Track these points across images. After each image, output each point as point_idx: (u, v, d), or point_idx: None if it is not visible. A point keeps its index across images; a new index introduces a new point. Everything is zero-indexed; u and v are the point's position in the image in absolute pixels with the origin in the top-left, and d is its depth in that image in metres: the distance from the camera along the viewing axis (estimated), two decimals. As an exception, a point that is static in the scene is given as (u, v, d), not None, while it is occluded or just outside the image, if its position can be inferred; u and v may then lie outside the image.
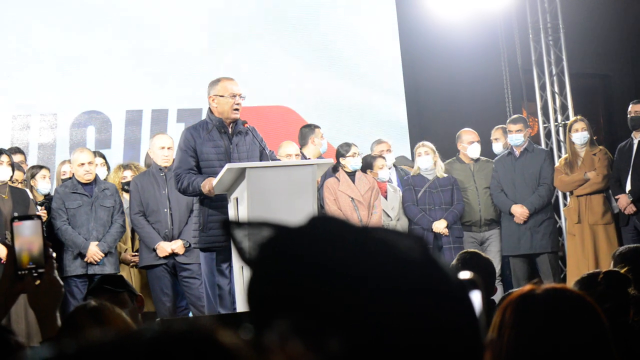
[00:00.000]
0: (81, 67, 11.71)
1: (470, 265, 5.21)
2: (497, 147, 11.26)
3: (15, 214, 9.10)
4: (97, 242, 9.41)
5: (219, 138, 7.79)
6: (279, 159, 8.51)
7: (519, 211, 10.62)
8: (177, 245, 9.44)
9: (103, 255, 9.40)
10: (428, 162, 10.64)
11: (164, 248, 9.40)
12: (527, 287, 2.51)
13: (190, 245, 9.42)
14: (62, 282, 2.85)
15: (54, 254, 2.86)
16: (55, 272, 2.82)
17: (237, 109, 7.78)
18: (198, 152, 7.75)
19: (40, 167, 10.20)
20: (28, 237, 2.80)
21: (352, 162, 10.21)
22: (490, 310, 4.65)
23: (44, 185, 9.99)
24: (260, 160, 7.71)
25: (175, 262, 9.45)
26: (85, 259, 9.37)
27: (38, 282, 2.78)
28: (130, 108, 12.00)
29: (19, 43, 11.49)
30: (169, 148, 9.60)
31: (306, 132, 10.56)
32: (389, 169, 11.04)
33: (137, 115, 12.02)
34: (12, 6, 11.53)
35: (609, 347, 2.42)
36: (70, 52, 11.68)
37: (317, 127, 10.68)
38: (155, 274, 9.45)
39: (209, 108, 7.91)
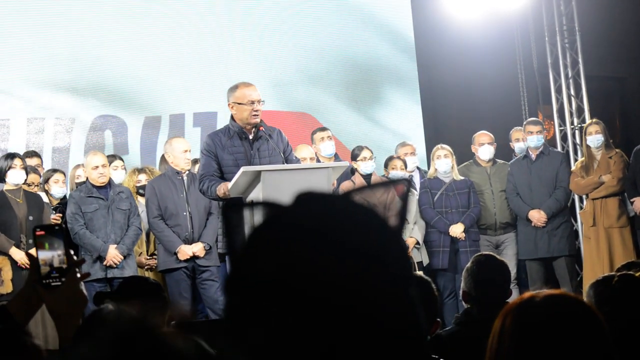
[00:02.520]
0: (98, 71, 11.75)
1: (485, 268, 5.21)
2: (520, 147, 11.26)
3: (30, 218, 9.15)
4: (115, 245, 9.42)
5: (240, 144, 7.80)
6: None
7: (537, 216, 10.60)
8: (198, 248, 9.46)
9: (122, 257, 9.41)
10: (447, 164, 10.63)
11: (185, 251, 9.41)
12: (527, 294, 2.50)
13: (210, 247, 9.46)
14: (86, 294, 2.85)
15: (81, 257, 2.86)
16: (82, 284, 2.82)
17: (256, 115, 7.79)
18: (219, 158, 7.79)
19: (55, 171, 10.22)
20: (51, 246, 2.81)
21: (363, 166, 10.24)
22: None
23: (57, 189, 10.00)
24: (284, 165, 7.74)
25: (195, 265, 9.47)
26: (105, 262, 9.37)
27: (56, 290, 2.78)
28: (148, 113, 12.03)
29: (35, 46, 11.53)
30: (190, 151, 9.69)
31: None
32: (412, 171, 11.05)
33: (154, 120, 12.04)
34: (29, 10, 11.57)
35: (610, 353, 2.41)
36: (86, 57, 11.72)
37: (316, 131, 10.80)
38: (175, 278, 9.46)
39: (231, 114, 7.93)
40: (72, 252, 2.85)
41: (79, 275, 2.81)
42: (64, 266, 2.79)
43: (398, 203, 1.43)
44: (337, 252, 1.30)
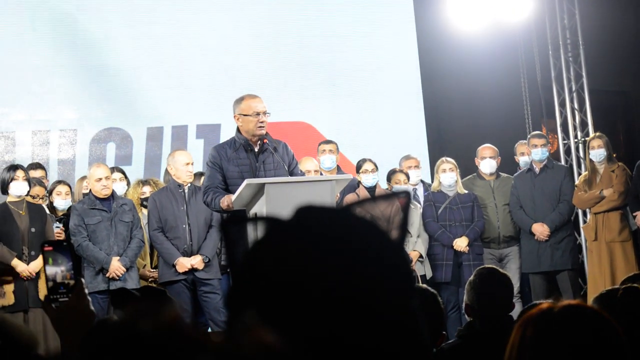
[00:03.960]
0: (101, 83, 11.77)
1: (488, 282, 5.20)
2: (525, 161, 11.25)
3: (33, 230, 9.15)
4: (118, 257, 9.43)
5: (245, 156, 7.80)
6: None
7: (540, 230, 10.58)
8: (196, 261, 9.45)
9: (125, 270, 9.42)
10: (452, 178, 10.63)
11: (184, 264, 9.41)
12: (545, 304, 2.49)
13: (209, 260, 9.46)
14: (93, 310, 2.84)
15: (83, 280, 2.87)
16: (89, 301, 2.81)
17: (261, 126, 7.78)
18: (224, 170, 7.78)
19: (59, 182, 10.22)
20: (55, 261, 2.82)
21: (365, 178, 10.25)
22: (509, 326, 4.63)
23: (59, 201, 9.99)
24: (289, 179, 7.75)
25: (195, 278, 9.47)
26: (108, 275, 9.38)
27: (58, 306, 2.79)
28: (151, 125, 12.05)
29: (40, 59, 11.55)
30: (192, 164, 9.69)
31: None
32: (415, 184, 11.05)
33: (157, 132, 12.06)
34: (32, 21, 11.59)
35: None
36: (90, 69, 11.74)
37: (321, 143, 10.84)
38: (175, 290, 9.44)
39: (237, 126, 7.93)
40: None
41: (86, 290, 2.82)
42: (68, 282, 2.79)
43: (399, 215, 1.43)
44: (337, 266, 1.30)
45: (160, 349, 1.00)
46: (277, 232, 1.36)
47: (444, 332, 4.69)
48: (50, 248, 2.84)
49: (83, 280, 2.83)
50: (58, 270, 2.81)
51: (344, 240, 1.33)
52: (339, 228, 1.35)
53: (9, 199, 9.25)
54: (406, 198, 1.48)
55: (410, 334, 1.35)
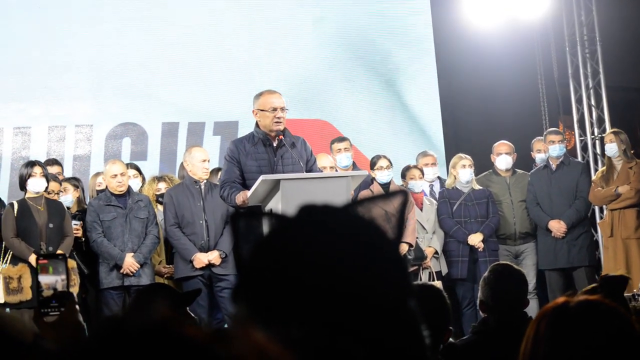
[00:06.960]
0: (117, 79, 11.80)
1: (502, 278, 5.19)
2: (541, 157, 11.21)
3: (51, 225, 9.18)
4: (132, 254, 9.44)
5: (264, 151, 7.82)
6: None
7: (556, 226, 10.56)
8: (213, 256, 9.45)
9: (139, 266, 9.43)
10: (469, 174, 10.62)
11: (201, 259, 9.41)
12: (561, 299, 2.49)
13: (226, 255, 9.46)
14: (83, 323, 2.86)
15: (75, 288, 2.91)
16: (79, 315, 2.83)
17: (278, 122, 7.81)
18: (242, 164, 7.81)
19: (68, 180, 10.24)
20: (55, 270, 2.84)
21: (379, 175, 10.25)
22: (523, 322, 4.63)
23: (63, 198, 9.97)
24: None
25: (211, 273, 9.47)
26: (122, 271, 9.39)
27: (51, 319, 2.81)
28: (167, 120, 12.07)
29: (56, 54, 11.59)
30: (208, 161, 9.71)
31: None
32: (432, 181, 11.04)
33: (173, 127, 12.09)
34: (48, 18, 11.63)
35: None
36: (106, 64, 11.78)
37: (334, 141, 10.83)
38: (191, 286, 9.45)
39: (256, 121, 7.96)
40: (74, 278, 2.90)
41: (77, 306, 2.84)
42: (64, 291, 2.82)
43: (397, 215, 1.45)
44: (336, 262, 1.33)
45: (145, 346, 1.01)
46: (280, 229, 1.39)
47: (450, 328, 4.66)
48: (45, 261, 2.86)
49: (74, 293, 2.88)
50: (59, 278, 2.83)
51: (343, 238, 1.36)
52: (339, 226, 1.38)
53: (27, 195, 9.29)
54: (403, 197, 1.49)
55: (408, 330, 1.36)
